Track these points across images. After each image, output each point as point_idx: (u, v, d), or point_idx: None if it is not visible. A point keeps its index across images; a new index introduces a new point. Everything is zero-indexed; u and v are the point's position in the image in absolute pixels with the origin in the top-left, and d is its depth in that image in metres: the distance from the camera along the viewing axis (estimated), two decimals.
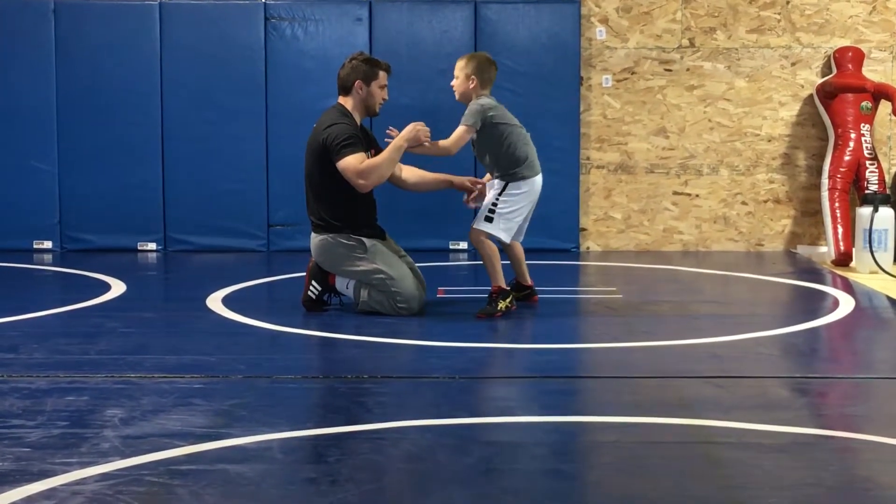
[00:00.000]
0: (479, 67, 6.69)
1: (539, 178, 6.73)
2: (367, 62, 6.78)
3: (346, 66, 6.78)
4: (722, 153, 10.26)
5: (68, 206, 10.06)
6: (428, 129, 6.69)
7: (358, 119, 6.76)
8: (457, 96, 6.79)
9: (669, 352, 5.71)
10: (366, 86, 6.74)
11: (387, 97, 6.86)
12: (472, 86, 6.67)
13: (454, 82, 6.76)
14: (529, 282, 7.08)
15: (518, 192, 6.63)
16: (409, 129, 6.65)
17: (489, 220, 6.62)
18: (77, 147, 10.00)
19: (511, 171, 6.63)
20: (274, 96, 9.98)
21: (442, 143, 6.65)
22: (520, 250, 6.99)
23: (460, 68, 6.72)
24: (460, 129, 6.61)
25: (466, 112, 6.64)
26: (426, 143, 6.62)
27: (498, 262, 6.64)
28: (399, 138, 6.64)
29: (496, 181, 6.69)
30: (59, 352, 5.57)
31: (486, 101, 6.66)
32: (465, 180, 6.87)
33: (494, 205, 6.62)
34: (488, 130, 6.62)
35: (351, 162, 6.52)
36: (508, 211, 6.62)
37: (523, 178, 6.64)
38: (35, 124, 9.99)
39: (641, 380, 5.07)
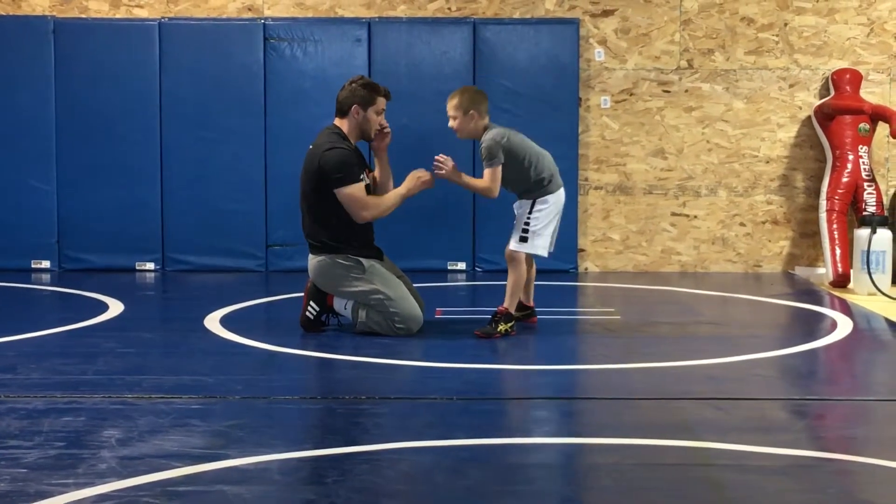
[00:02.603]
0: (473, 100, 6.63)
1: (562, 192, 6.75)
2: (367, 87, 6.74)
3: (345, 89, 6.76)
4: (720, 174, 10.27)
5: (66, 226, 10.06)
6: (429, 175, 6.66)
7: (353, 141, 6.75)
8: (460, 135, 6.70)
9: (668, 373, 5.70)
10: (363, 111, 6.71)
11: (384, 123, 6.83)
12: (473, 122, 6.62)
13: (453, 123, 6.65)
14: (531, 303, 7.07)
15: (545, 206, 6.65)
16: (412, 179, 6.66)
17: (524, 240, 6.63)
18: (76, 166, 10.00)
19: (538, 190, 6.64)
20: (273, 116, 9.99)
21: (481, 183, 6.63)
22: (532, 272, 6.99)
23: (455, 107, 6.63)
24: (490, 171, 6.57)
25: (484, 152, 6.56)
26: (457, 178, 6.65)
27: (520, 289, 6.68)
28: (403, 187, 6.67)
29: (523, 201, 6.68)
30: (57, 372, 5.56)
31: (496, 131, 6.61)
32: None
33: (527, 223, 6.62)
34: (508, 158, 6.60)
35: (355, 193, 6.53)
36: (540, 227, 6.64)
37: (549, 192, 6.66)
38: (34, 143, 9.99)
39: (640, 401, 5.06)
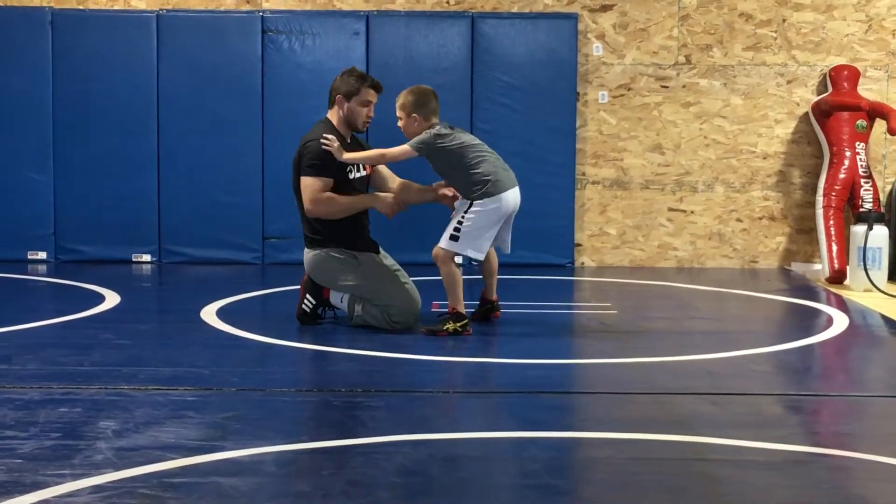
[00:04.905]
0: (417, 102, 6.53)
1: (510, 194, 6.48)
2: (353, 77, 6.69)
3: (336, 79, 6.75)
4: (717, 170, 10.28)
5: (63, 217, 10.04)
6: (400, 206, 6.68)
7: (345, 133, 6.72)
8: (407, 137, 6.58)
9: (663, 368, 5.71)
10: (346, 101, 6.65)
11: (372, 115, 6.75)
12: (416, 124, 6.52)
13: (399, 123, 6.59)
14: (494, 297, 6.95)
15: (483, 209, 6.42)
16: (383, 199, 6.65)
17: (454, 238, 6.43)
18: (73, 157, 9.99)
19: (473, 192, 6.45)
20: (270, 109, 9.97)
21: (380, 150, 6.58)
22: (494, 264, 6.87)
23: (399, 107, 6.55)
24: (405, 147, 6.48)
25: (417, 137, 6.49)
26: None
27: (458, 285, 6.46)
28: (374, 199, 6.66)
29: (464, 200, 6.52)
30: (53, 363, 5.56)
31: (437, 129, 6.48)
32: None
33: (460, 223, 6.44)
34: (442, 157, 6.48)
35: (313, 185, 6.52)
36: (474, 229, 6.42)
37: (488, 195, 6.43)
38: (31, 134, 9.97)
39: (635, 396, 5.07)
